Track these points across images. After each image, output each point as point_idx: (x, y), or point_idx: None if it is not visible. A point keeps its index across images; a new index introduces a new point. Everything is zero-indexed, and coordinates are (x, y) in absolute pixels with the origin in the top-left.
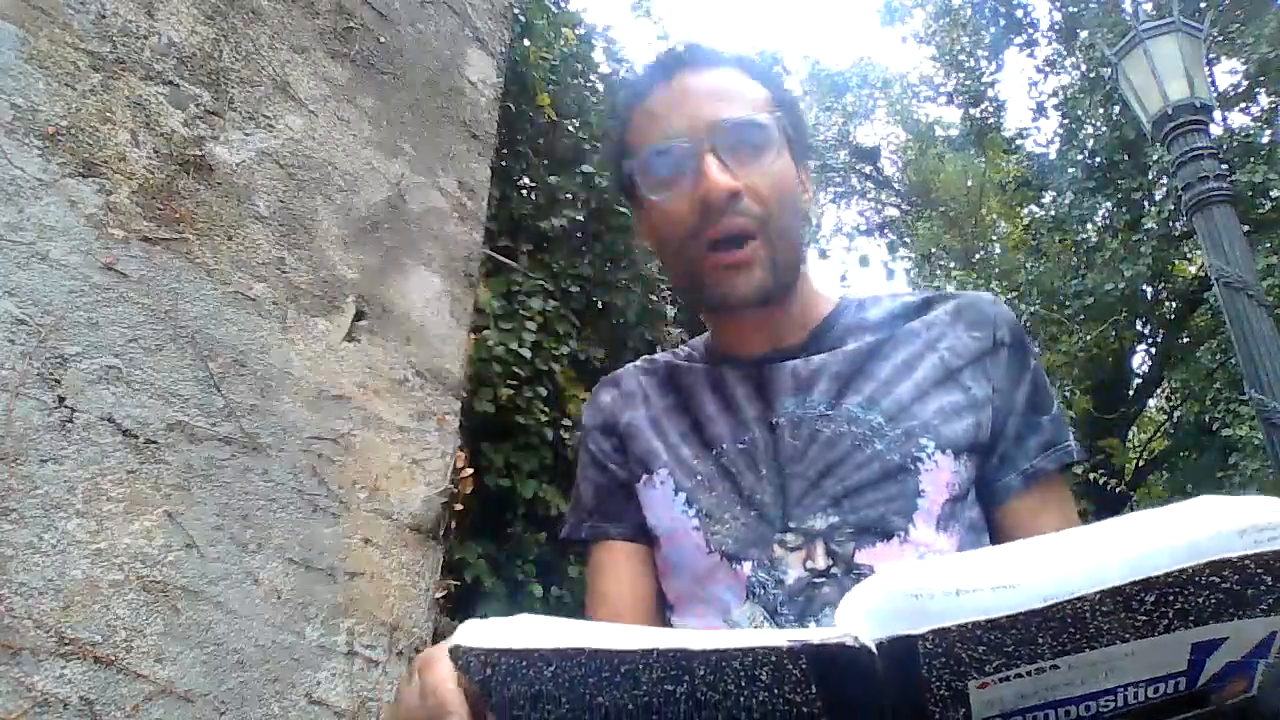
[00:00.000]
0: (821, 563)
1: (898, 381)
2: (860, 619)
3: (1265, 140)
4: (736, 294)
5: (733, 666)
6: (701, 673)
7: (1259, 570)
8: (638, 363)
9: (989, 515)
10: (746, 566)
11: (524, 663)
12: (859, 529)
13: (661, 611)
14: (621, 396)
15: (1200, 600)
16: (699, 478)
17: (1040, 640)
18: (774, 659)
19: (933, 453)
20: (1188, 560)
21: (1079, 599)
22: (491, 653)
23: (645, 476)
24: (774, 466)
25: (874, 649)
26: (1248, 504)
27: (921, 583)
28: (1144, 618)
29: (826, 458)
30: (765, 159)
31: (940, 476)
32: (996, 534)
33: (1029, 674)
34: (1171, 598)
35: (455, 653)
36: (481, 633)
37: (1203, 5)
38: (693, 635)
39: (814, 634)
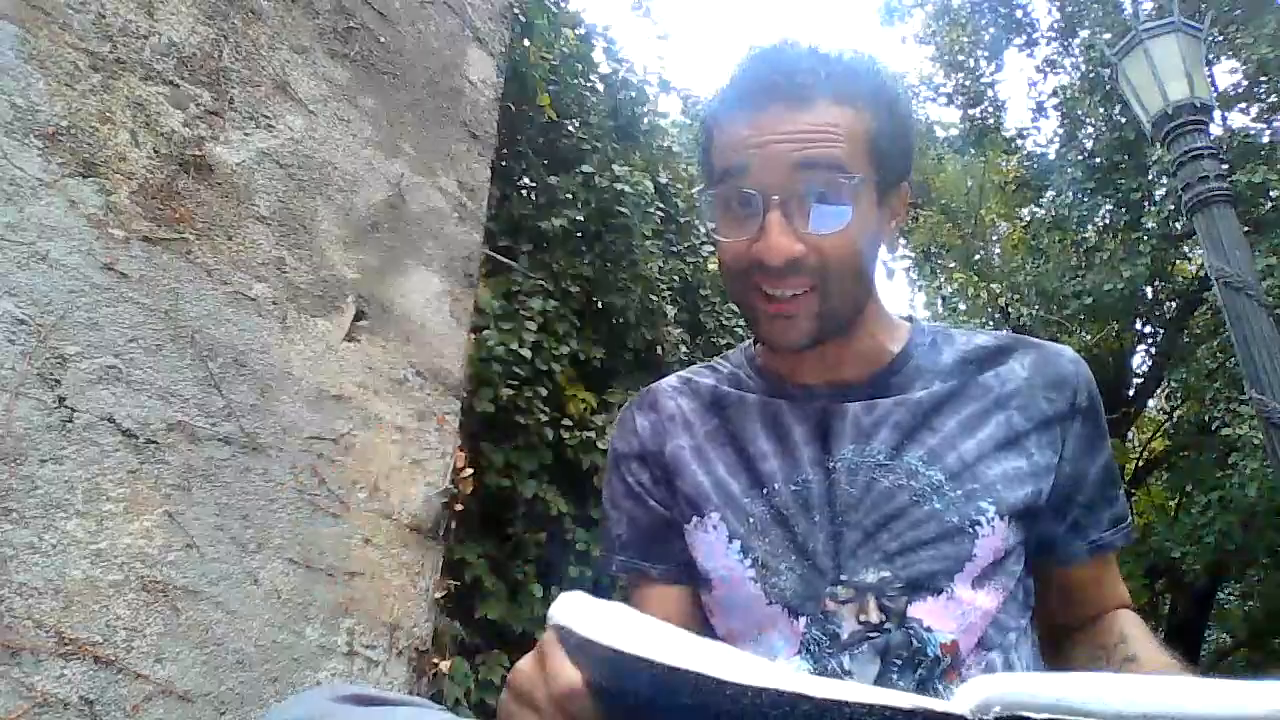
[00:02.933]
0: (875, 617)
1: (962, 438)
2: (976, 702)
3: (1265, 140)
4: (783, 341)
5: (844, 713)
6: (807, 709)
7: None
8: (673, 382)
9: (1046, 571)
10: (802, 622)
11: (626, 663)
12: (910, 585)
13: None
14: (660, 421)
15: None
16: (751, 520)
17: None
18: (888, 715)
19: (992, 518)
20: None
21: None
22: (596, 645)
23: (696, 519)
24: (827, 513)
25: None
26: None
27: (1035, 689)
28: None
29: (883, 510)
30: (840, 218)
31: (993, 542)
32: (1050, 589)
33: None
34: None
35: (563, 634)
36: (584, 617)
37: (1203, 5)
38: (810, 680)
39: (934, 703)
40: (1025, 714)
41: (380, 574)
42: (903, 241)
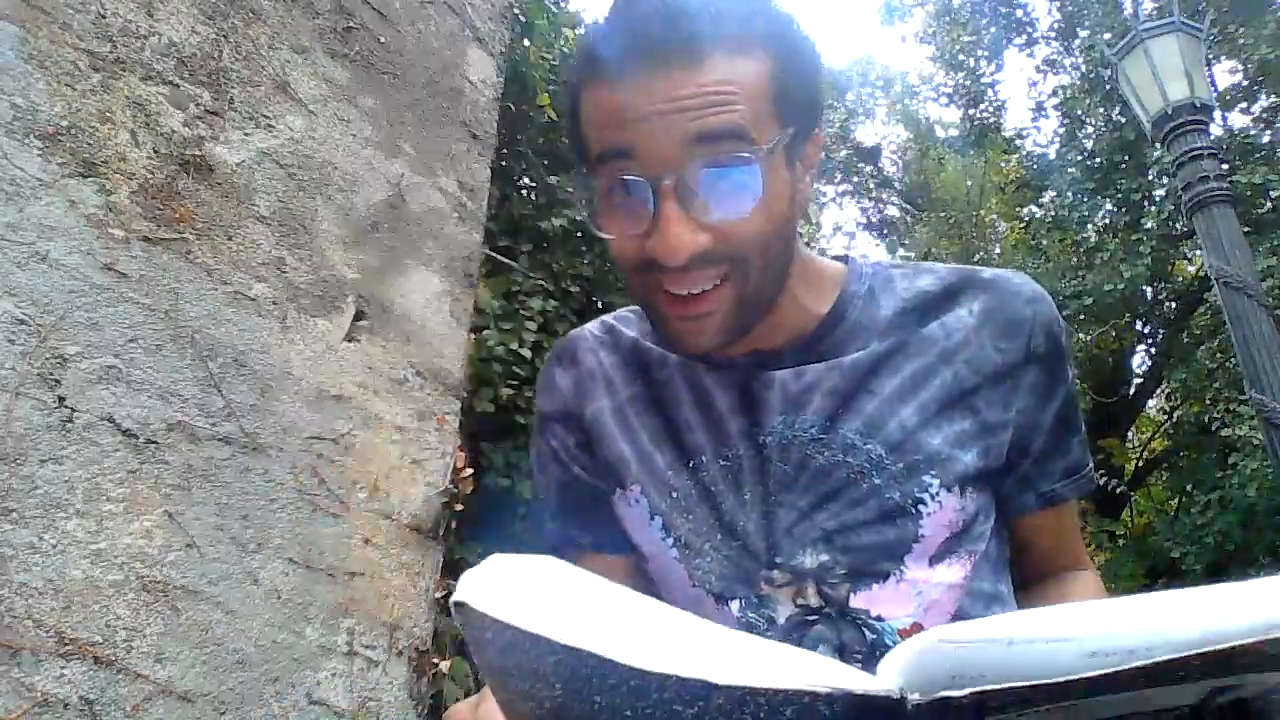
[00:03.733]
0: (814, 601)
1: (903, 402)
2: (902, 674)
3: (1265, 140)
4: (694, 345)
5: (757, 702)
6: (720, 702)
7: None
8: (594, 329)
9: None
10: (735, 605)
11: (528, 643)
12: (852, 571)
13: None
14: (580, 377)
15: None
16: (674, 495)
17: (1076, 692)
18: (805, 700)
19: (936, 492)
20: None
21: (1139, 667)
22: (497, 623)
23: (618, 490)
24: (759, 491)
25: (910, 707)
26: None
27: (968, 634)
28: (1183, 673)
29: (818, 489)
30: (748, 197)
31: (942, 518)
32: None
33: (1048, 710)
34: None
35: (461, 611)
36: (494, 588)
37: (1202, 5)
38: (721, 661)
39: (854, 680)
40: (970, 688)
41: (380, 574)
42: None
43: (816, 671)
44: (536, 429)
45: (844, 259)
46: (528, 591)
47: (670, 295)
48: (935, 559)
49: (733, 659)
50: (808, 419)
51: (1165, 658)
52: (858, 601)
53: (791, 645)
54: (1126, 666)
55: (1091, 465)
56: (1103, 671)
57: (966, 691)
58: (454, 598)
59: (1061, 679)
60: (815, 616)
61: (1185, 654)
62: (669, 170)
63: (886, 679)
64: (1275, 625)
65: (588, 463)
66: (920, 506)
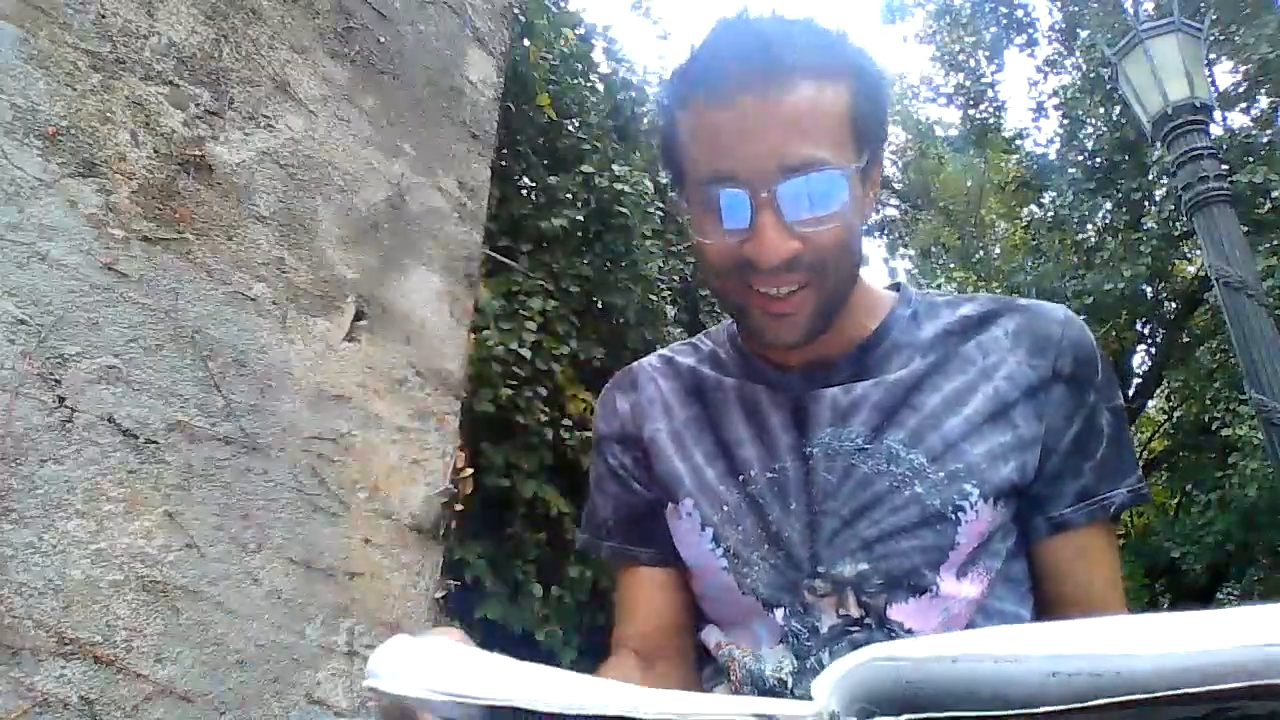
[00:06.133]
0: (855, 611)
1: (945, 416)
2: (837, 691)
3: (1265, 140)
4: (780, 341)
5: None
6: None
7: None
8: (654, 361)
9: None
10: (779, 614)
11: (451, 708)
12: (889, 581)
13: (694, 631)
14: (641, 403)
15: (1232, 706)
16: (725, 509)
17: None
18: None
19: (975, 501)
20: (1234, 675)
21: (1098, 706)
22: (402, 700)
23: (671, 505)
24: (804, 501)
25: None
26: None
27: (908, 651)
28: (1164, 709)
29: (861, 497)
30: (834, 207)
31: (977, 526)
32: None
33: None
34: (1202, 703)
35: (375, 692)
36: (404, 667)
37: (1202, 5)
38: (644, 698)
39: (779, 706)
40: (908, 714)
41: (380, 574)
42: (903, 241)
43: (740, 702)
44: (594, 450)
45: (896, 286)
46: (436, 664)
47: (761, 295)
48: (962, 571)
49: (651, 697)
50: (854, 430)
51: (1141, 697)
52: (894, 614)
53: (837, 653)
54: (1099, 702)
55: (1117, 493)
56: (1070, 707)
57: (904, 718)
58: (364, 683)
59: (1014, 713)
60: (856, 627)
61: (1164, 693)
62: (765, 184)
63: (817, 701)
64: (1246, 665)
65: (645, 479)
66: (960, 514)
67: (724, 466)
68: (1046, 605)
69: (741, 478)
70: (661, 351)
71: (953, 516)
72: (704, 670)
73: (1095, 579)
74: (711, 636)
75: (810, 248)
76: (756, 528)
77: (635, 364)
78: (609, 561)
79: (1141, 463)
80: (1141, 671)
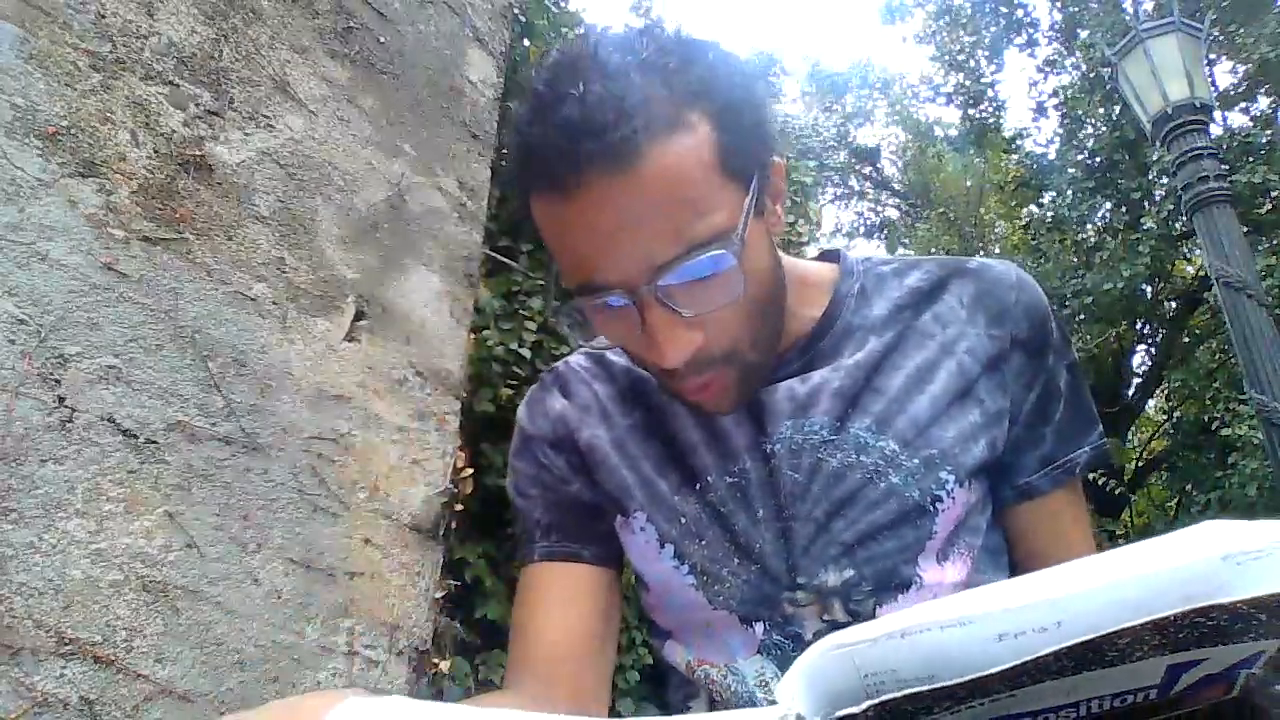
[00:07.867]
0: (841, 616)
1: (911, 396)
2: (801, 691)
3: (1265, 140)
4: (715, 411)
5: None
6: None
7: (1252, 610)
8: (582, 361)
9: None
10: (759, 628)
11: None
12: (877, 584)
13: (610, 648)
14: (575, 408)
15: (1180, 636)
16: (683, 521)
17: (997, 685)
18: None
19: (952, 488)
20: (1172, 598)
21: (1043, 656)
22: None
23: (621, 518)
24: (771, 506)
25: None
26: (1246, 528)
27: (860, 635)
28: (1115, 654)
29: (834, 495)
30: (730, 287)
31: (954, 512)
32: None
33: (981, 705)
34: (1148, 637)
35: None
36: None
37: (1202, 5)
38: None
39: (749, 715)
40: (868, 700)
41: (380, 574)
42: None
43: (711, 716)
44: (520, 451)
45: (835, 255)
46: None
47: (679, 382)
48: (942, 555)
49: None
50: (816, 421)
51: (1085, 638)
52: (884, 614)
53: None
54: (1045, 652)
55: (1079, 453)
56: (1021, 661)
57: (864, 706)
58: None
59: (970, 677)
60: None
61: (1106, 631)
62: (644, 282)
63: (782, 705)
64: (1179, 578)
65: (583, 483)
66: (937, 504)
67: (678, 476)
68: (1022, 569)
69: (699, 486)
70: (587, 349)
71: (931, 509)
72: (676, 693)
73: (1067, 538)
74: (678, 654)
75: (715, 332)
76: (723, 540)
77: (561, 364)
78: (537, 563)
79: (1141, 463)
80: (1085, 612)
